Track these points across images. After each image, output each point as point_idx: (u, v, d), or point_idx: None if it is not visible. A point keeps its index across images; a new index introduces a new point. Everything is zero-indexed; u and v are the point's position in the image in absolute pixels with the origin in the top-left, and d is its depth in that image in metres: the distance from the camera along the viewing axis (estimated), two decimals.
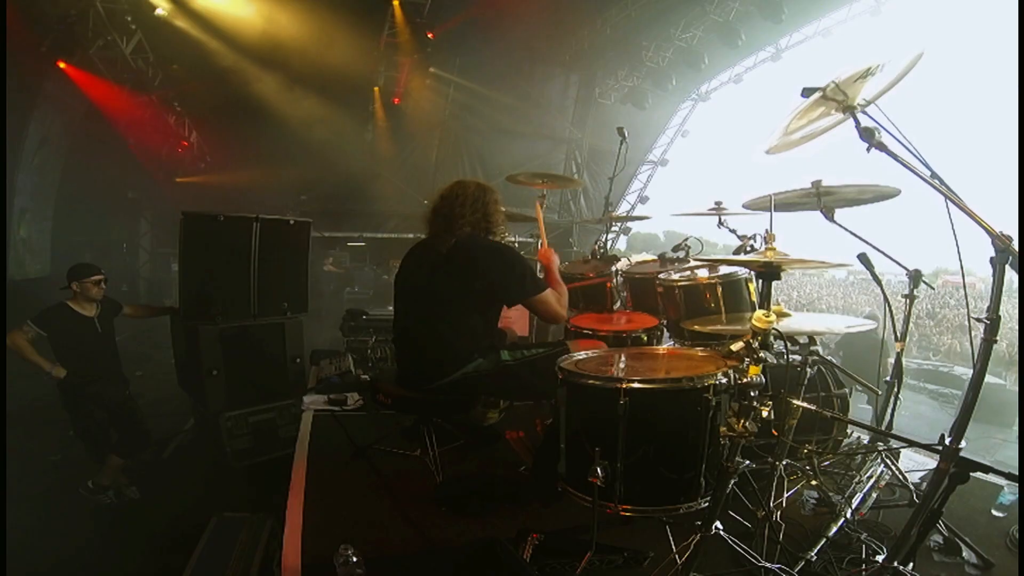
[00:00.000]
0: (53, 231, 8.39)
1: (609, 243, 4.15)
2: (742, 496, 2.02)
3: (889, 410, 2.50)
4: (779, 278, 1.94)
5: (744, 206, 2.89)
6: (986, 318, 1.61)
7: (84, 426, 3.98)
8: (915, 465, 2.69)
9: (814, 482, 2.26)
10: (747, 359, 1.66)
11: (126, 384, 4.23)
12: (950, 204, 1.62)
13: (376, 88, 9.83)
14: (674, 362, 2.18)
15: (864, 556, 1.94)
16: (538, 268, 3.37)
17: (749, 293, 2.86)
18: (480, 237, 2.52)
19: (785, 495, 2.15)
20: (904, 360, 2.54)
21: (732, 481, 1.71)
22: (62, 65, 7.07)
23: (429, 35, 9.22)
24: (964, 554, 1.98)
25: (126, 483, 4.13)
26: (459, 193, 2.55)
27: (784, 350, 2.34)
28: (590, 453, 1.79)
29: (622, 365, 2.12)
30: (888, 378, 2.56)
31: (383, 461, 2.77)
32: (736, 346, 1.69)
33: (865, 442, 2.74)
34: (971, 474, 1.62)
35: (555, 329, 4.58)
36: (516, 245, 3.55)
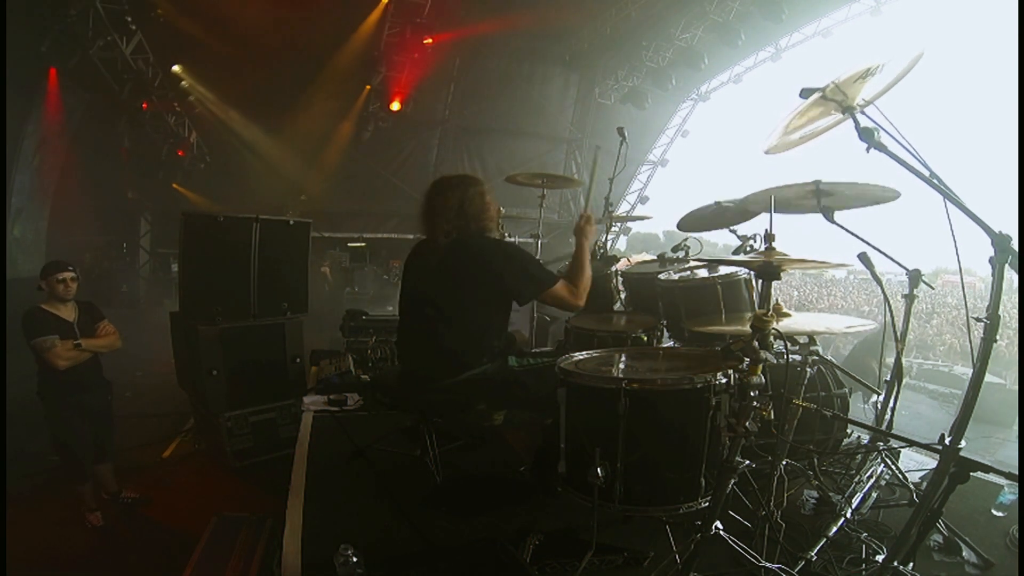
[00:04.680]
0: (49, 231, 8.35)
1: (609, 243, 4.14)
2: (742, 496, 2.02)
3: (889, 410, 2.50)
4: (779, 278, 1.94)
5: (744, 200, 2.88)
6: (986, 318, 1.61)
7: (64, 439, 3.61)
8: (915, 465, 2.70)
9: (814, 482, 2.26)
10: (747, 359, 1.66)
11: (108, 389, 3.86)
12: (949, 204, 1.62)
13: (368, 87, 9.81)
14: (674, 362, 2.18)
15: (864, 556, 1.94)
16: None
17: (749, 293, 2.86)
18: (474, 236, 2.41)
19: (785, 495, 2.15)
20: (904, 360, 2.54)
21: (732, 481, 1.72)
22: (53, 72, 7.07)
23: (427, 40, 9.22)
24: (964, 554, 1.99)
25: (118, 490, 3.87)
26: (438, 192, 2.45)
27: (784, 350, 2.34)
28: (590, 453, 1.79)
29: (622, 365, 2.12)
30: (888, 378, 2.56)
31: (383, 461, 2.76)
32: (736, 346, 1.70)
33: (865, 442, 2.74)
34: (971, 474, 1.62)
35: (555, 329, 4.58)
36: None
